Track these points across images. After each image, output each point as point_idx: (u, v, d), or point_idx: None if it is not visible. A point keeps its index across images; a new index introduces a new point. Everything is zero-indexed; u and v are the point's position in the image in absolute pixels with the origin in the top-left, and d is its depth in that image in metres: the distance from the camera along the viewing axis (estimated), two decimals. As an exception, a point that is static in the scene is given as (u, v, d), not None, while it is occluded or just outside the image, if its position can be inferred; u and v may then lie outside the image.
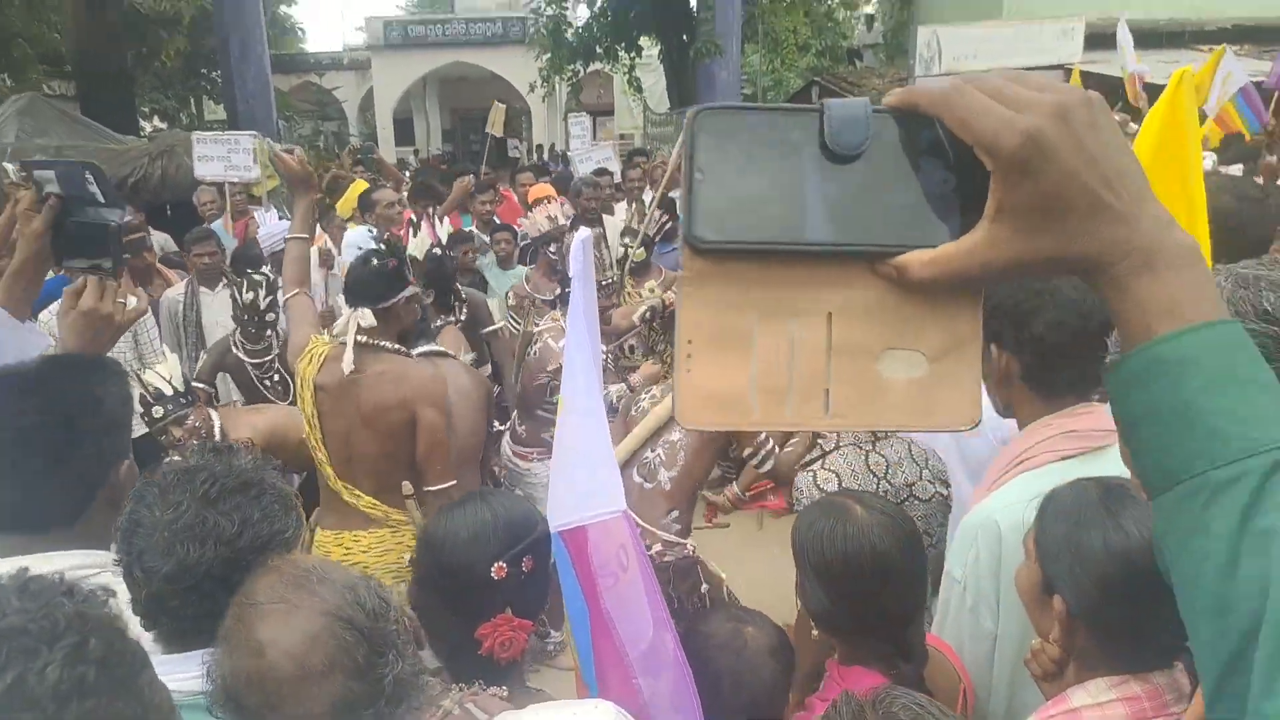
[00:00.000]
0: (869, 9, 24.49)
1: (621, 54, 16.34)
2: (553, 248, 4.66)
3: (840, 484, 2.21)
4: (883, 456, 2.29)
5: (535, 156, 19.36)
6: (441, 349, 3.29)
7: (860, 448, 2.31)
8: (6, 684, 0.84)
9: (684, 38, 15.05)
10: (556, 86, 18.12)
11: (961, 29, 11.91)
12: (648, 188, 6.65)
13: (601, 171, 6.99)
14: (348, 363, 2.70)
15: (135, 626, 1.28)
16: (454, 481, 2.83)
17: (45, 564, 1.31)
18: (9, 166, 4.22)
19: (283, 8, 23.43)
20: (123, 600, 1.32)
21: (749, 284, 0.54)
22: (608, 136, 16.32)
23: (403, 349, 2.91)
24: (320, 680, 1.08)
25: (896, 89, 0.55)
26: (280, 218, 5.46)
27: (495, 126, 8.63)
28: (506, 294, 4.89)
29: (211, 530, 1.27)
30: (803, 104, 0.54)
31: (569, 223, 5.10)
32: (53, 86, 14.17)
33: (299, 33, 26.74)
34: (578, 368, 1.63)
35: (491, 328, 4.25)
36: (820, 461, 2.33)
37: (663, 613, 1.58)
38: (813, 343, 0.55)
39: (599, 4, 16.54)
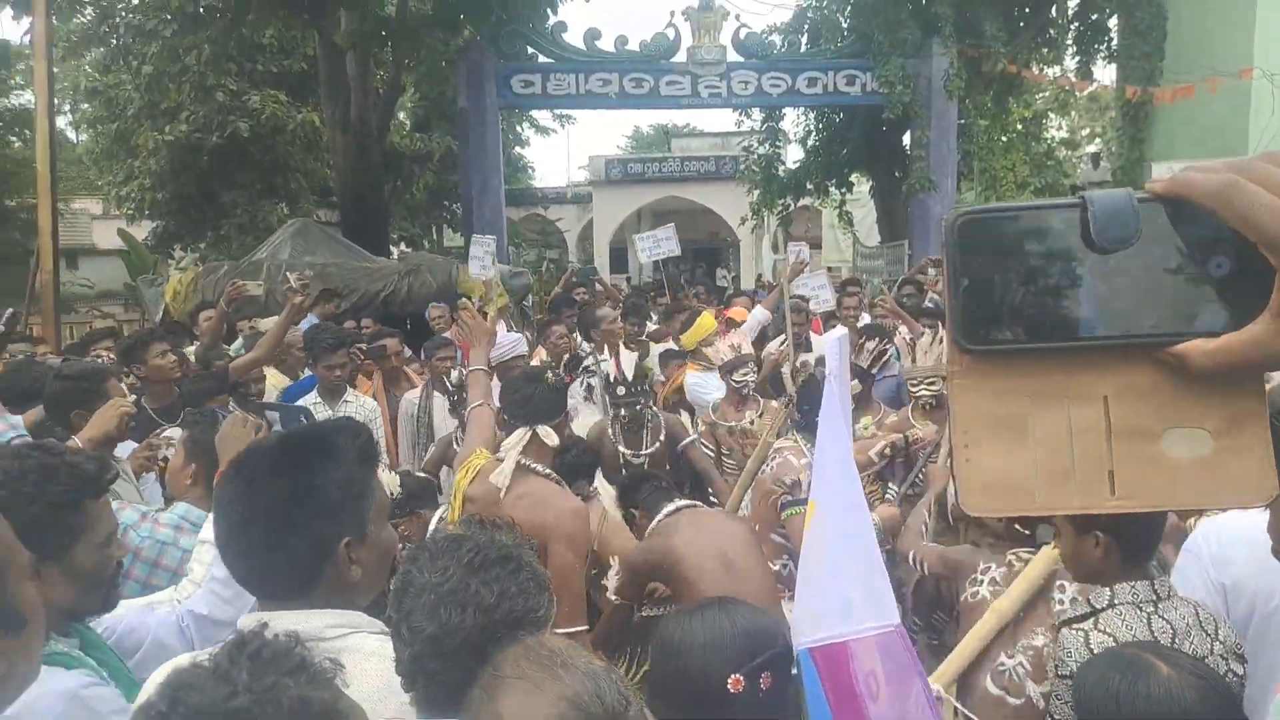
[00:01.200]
0: (1092, 148, 23.69)
1: (832, 190, 16.60)
2: (736, 375, 4.66)
3: None
4: (1167, 621, 1.97)
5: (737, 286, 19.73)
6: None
7: (1140, 609, 2.00)
8: None
9: (895, 174, 15.11)
10: (765, 220, 18.57)
11: (1202, 165, 11.26)
12: (863, 314, 6.60)
13: (852, 282, 7.16)
14: (501, 476, 2.68)
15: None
16: (584, 627, 2.66)
17: (302, 621, 1.41)
18: (290, 276, 4.82)
19: (517, 149, 25.65)
20: (379, 659, 1.39)
21: (1019, 372, 0.55)
22: (815, 266, 16.46)
23: (554, 475, 2.84)
24: None
25: (1160, 177, 0.54)
26: (509, 330, 5.82)
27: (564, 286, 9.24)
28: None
29: (472, 597, 1.32)
30: (1064, 201, 0.54)
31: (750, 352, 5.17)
32: (320, 215, 16.09)
33: (529, 170, 29.12)
34: (832, 467, 1.51)
35: (689, 439, 4.26)
36: (1092, 621, 2.04)
37: None
38: (1091, 425, 0.55)
39: (810, 143, 16.98)
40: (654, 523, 2.99)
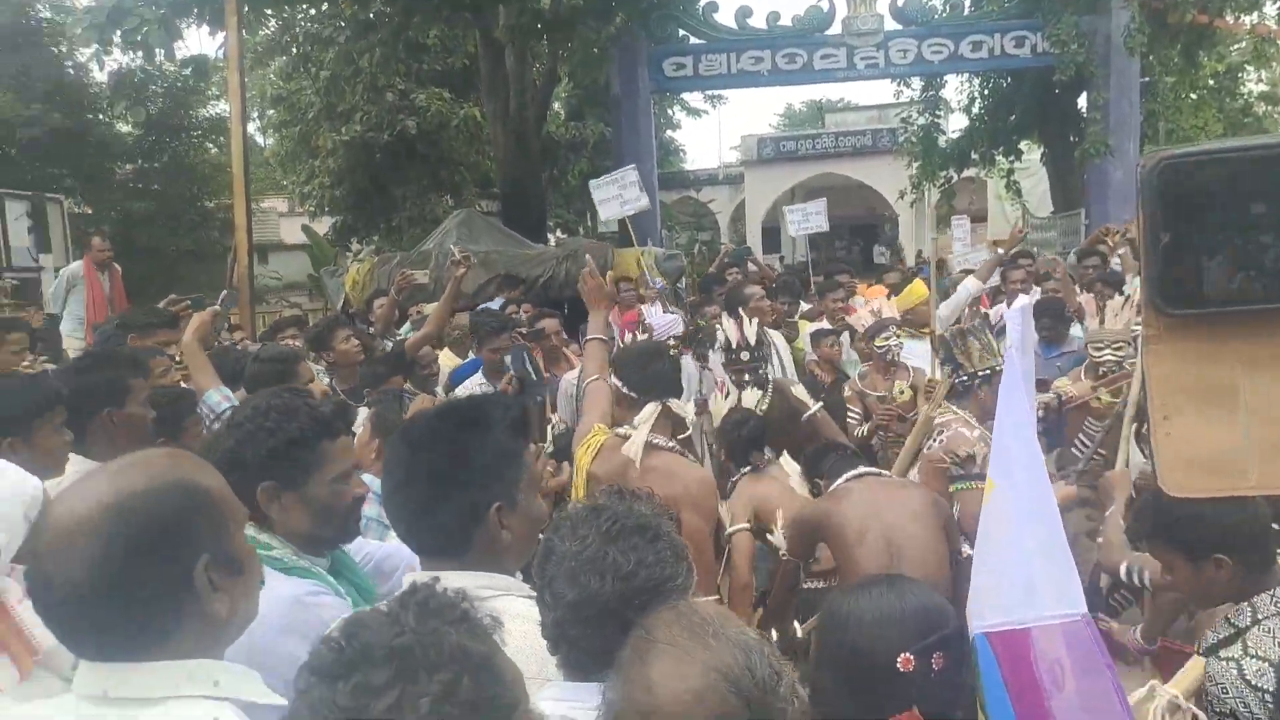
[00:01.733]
0: (1299, 99, 21.45)
1: (999, 159, 15.77)
2: (879, 340, 4.72)
3: (1278, 678, 1.70)
4: None
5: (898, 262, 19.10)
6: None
7: None
8: (389, 702, 0.91)
9: (1070, 139, 14.18)
10: (926, 193, 17.88)
11: None
12: (1034, 288, 6.25)
13: (1022, 255, 6.82)
14: (634, 449, 2.71)
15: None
16: (715, 597, 2.66)
17: (455, 580, 1.48)
18: (454, 248, 5.08)
19: (669, 132, 25.75)
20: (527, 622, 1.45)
21: (1227, 335, 0.47)
22: (981, 240, 15.71)
23: (679, 448, 2.86)
24: None
25: None
26: (664, 311, 5.87)
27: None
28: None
29: (610, 565, 1.34)
30: (1275, 139, 0.46)
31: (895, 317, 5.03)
32: (482, 205, 16.70)
33: (681, 153, 29.19)
34: (1013, 444, 1.44)
35: (811, 410, 4.15)
36: (1240, 645, 1.80)
37: None
38: None
39: (976, 110, 16.18)
40: (834, 486, 3.03)
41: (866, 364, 4.94)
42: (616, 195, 6.94)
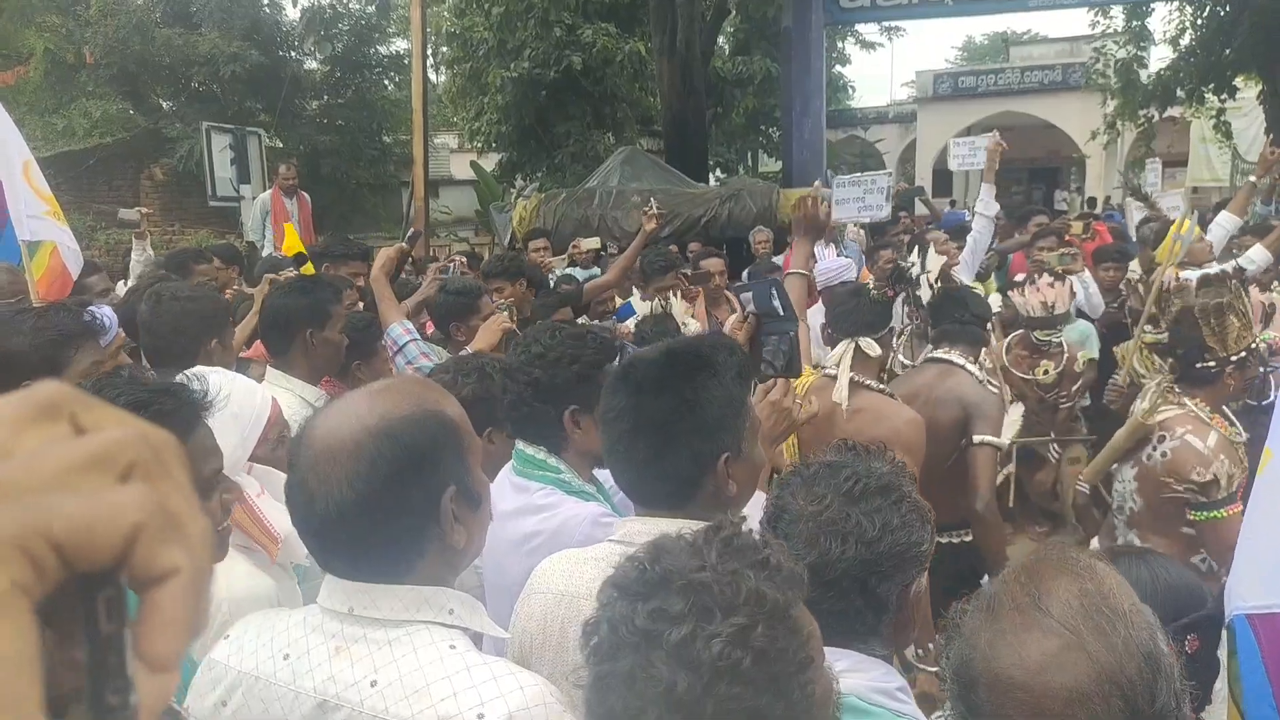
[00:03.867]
0: None
1: (1208, 96, 14.29)
2: (1039, 334, 4.46)
3: None
4: None
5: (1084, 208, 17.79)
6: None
7: None
8: (684, 633, 0.90)
9: (1297, 74, 12.68)
10: (1120, 134, 16.49)
11: None
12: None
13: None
14: (841, 392, 2.68)
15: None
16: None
17: (675, 528, 1.48)
18: (654, 200, 5.20)
19: (838, 68, 24.76)
20: None
21: None
22: (1176, 188, 14.38)
23: (885, 388, 2.82)
24: None
25: None
26: (838, 254, 5.69)
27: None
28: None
29: (854, 529, 1.28)
30: None
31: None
32: (643, 143, 16.67)
33: (849, 90, 28.05)
34: None
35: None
36: None
37: None
38: None
39: (1185, 42, 14.69)
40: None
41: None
42: (858, 198, 6.45)
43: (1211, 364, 2.76)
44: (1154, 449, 2.80)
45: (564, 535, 1.82)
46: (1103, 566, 1.07)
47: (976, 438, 3.15)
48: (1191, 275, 4.27)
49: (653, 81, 15.26)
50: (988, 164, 5.53)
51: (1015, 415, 3.73)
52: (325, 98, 18.02)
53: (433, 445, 1.21)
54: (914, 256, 4.58)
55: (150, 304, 2.67)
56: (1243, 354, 2.77)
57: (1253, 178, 5.42)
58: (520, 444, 2.03)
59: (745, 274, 5.65)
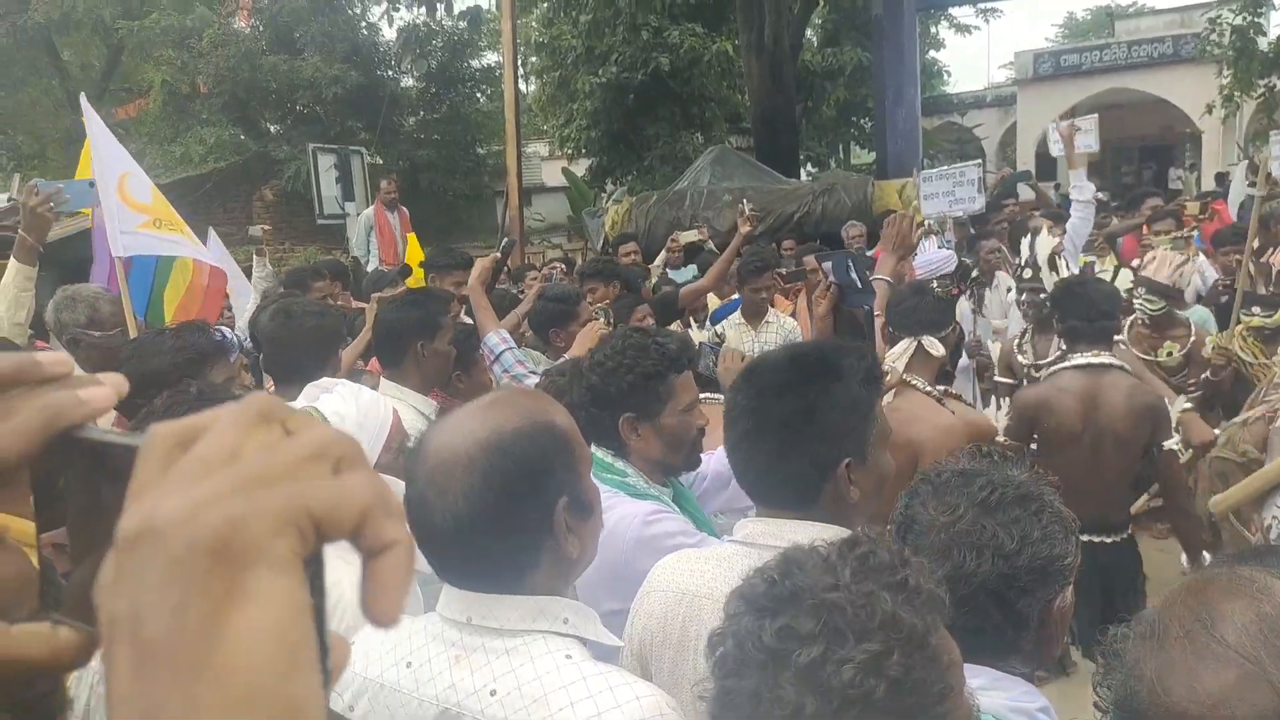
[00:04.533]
0: None
1: (1337, 61, 13.37)
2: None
3: None
4: None
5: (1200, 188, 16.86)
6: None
7: None
8: (811, 657, 0.86)
9: None
10: (1239, 107, 15.57)
11: None
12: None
13: None
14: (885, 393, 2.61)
15: None
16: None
17: (791, 531, 1.46)
18: (745, 205, 5.18)
19: (931, 53, 24.12)
20: None
21: None
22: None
23: (934, 391, 2.75)
24: None
25: None
26: (940, 247, 5.54)
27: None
28: None
29: (989, 540, 1.23)
30: None
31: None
32: (732, 141, 16.59)
33: (944, 75, 27.29)
34: None
35: None
36: None
37: None
38: None
39: (1311, 4, 13.78)
40: (1053, 368, 3.16)
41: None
42: (948, 192, 6.23)
43: None
44: None
45: (617, 535, 1.84)
46: (1278, 586, 0.98)
47: (1167, 444, 3.12)
48: None
49: (741, 79, 15.17)
50: (1066, 149, 5.32)
51: (1176, 409, 3.57)
52: (421, 114, 18.56)
53: (544, 457, 1.23)
54: (1024, 246, 4.39)
55: (280, 320, 2.76)
56: None
57: None
58: (592, 447, 2.06)
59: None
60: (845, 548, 0.96)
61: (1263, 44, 13.83)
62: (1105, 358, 3.11)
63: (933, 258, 4.81)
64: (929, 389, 2.74)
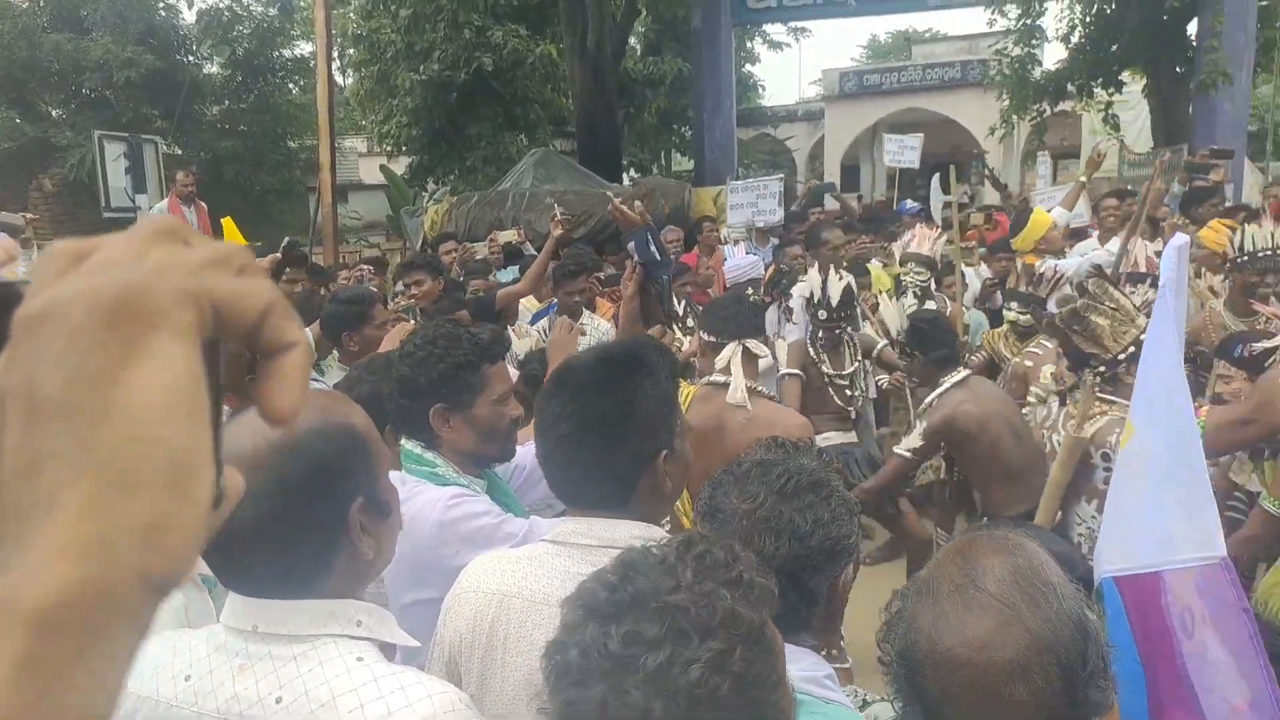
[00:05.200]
0: None
1: (1097, 91, 14.95)
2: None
3: None
4: None
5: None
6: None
7: None
8: (658, 660, 0.87)
9: (1177, 69, 13.36)
10: (1015, 129, 17.11)
11: None
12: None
13: (1117, 194, 6.45)
14: (740, 394, 2.68)
15: None
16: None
17: (610, 529, 1.48)
18: (557, 209, 5.12)
19: (747, 67, 25.09)
20: None
21: None
22: (1069, 180, 15.02)
23: (769, 392, 2.91)
24: (1009, 712, 0.99)
25: None
26: (748, 252, 5.78)
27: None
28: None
29: (787, 525, 1.30)
30: None
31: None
32: (556, 144, 16.63)
33: (759, 89, 28.46)
34: (1159, 389, 1.38)
35: (879, 344, 4.15)
36: None
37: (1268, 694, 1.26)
38: None
39: (1075, 40, 15.33)
40: (940, 391, 3.41)
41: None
42: (752, 203, 6.62)
43: (1101, 367, 2.69)
44: (1108, 470, 2.50)
45: (419, 520, 1.84)
46: (1030, 543, 1.11)
47: (897, 449, 3.61)
48: (1066, 263, 4.49)
49: (565, 83, 15.22)
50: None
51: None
52: (226, 103, 17.49)
53: (338, 457, 1.19)
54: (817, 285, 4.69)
55: None
56: (1131, 349, 2.63)
57: (1083, 178, 5.72)
58: (403, 439, 2.03)
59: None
60: (683, 548, 0.97)
61: (1037, 74, 15.27)
62: (964, 372, 3.55)
63: (740, 263, 5.02)
64: (770, 393, 2.88)
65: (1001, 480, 3.26)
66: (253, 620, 1.19)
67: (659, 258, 2.30)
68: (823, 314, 4.13)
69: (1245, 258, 3.77)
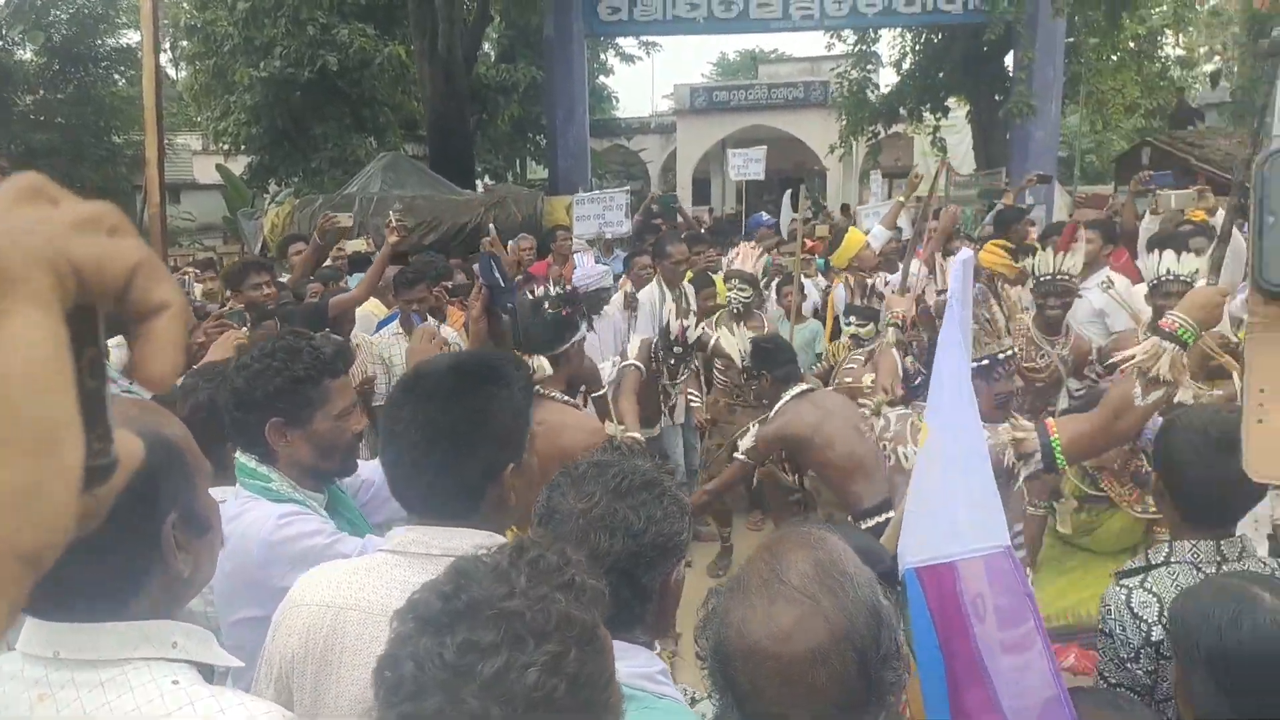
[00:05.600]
0: (1210, 67, 22.15)
1: (926, 115, 15.96)
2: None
3: (1162, 610, 1.80)
4: None
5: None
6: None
7: (1200, 569, 1.90)
8: (495, 667, 0.88)
9: (996, 98, 14.43)
10: (854, 148, 18.03)
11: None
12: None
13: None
14: None
15: None
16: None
17: (455, 538, 1.46)
18: (393, 214, 4.96)
19: (601, 78, 25.33)
20: None
21: None
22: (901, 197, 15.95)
23: (570, 399, 2.90)
24: (812, 696, 1.03)
25: None
26: (596, 261, 5.83)
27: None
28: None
29: (621, 522, 1.32)
30: None
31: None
32: (407, 148, 16.27)
33: (613, 100, 28.77)
34: (948, 391, 1.50)
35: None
36: (1141, 577, 1.95)
37: (1050, 678, 1.39)
38: None
39: (906, 66, 16.31)
40: (781, 403, 3.58)
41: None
42: (598, 215, 6.59)
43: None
44: None
45: (248, 539, 1.79)
46: (832, 537, 1.18)
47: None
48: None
49: (415, 85, 14.91)
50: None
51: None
52: (42, 92, 16.18)
53: (150, 472, 1.12)
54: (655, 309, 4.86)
55: None
56: (984, 361, 2.72)
57: (901, 198, 6.14)
58: (238, 452, 1.96)
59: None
60: (516, 554, 0.97)
61: (873, 96, 16.16)
62: (806, 384, 3.79)
63: (589, 272, 5.07)
64: (565, 398, 2.83)
65: (854, 476, 3.40)
66: (53, 646, 1.11)
67: (503, 284, 2.31)
68: (677, 349, 4.30)
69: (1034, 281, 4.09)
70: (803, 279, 5.67)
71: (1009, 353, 2.69)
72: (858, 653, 1.03)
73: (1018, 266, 4.31)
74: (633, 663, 1.32)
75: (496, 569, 0.95)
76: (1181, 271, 3.92)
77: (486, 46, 18.64)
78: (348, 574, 1.55)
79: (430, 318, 5.05)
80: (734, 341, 4.65)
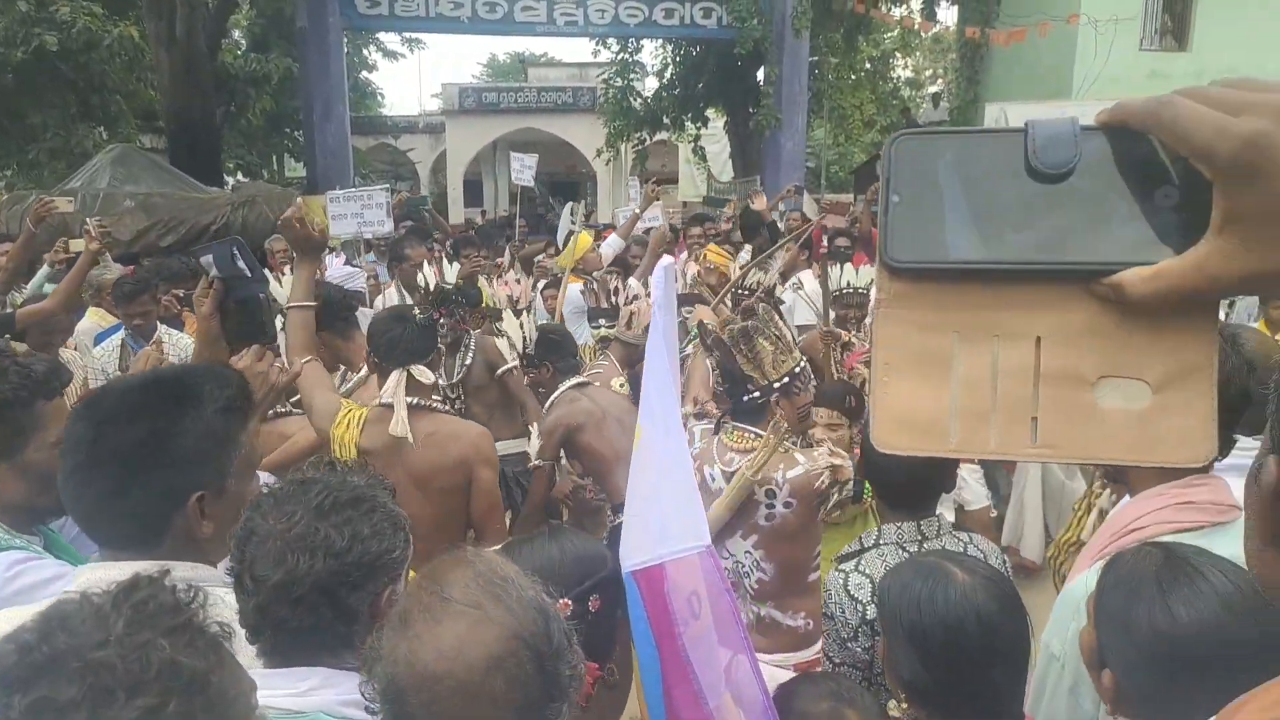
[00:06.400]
0: (934, 89, 24.64)
1: (688, 124, 16.65)
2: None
3: (874, 590, 1.94)
4: None
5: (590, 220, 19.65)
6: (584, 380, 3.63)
7: (904, 548, 2.05)
8: None
9: (749, 110, 15.31)
10: (622, 153, 18.48)
11: (1030, 106, 11.91)
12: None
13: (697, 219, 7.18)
14: (401, 426, 2.60)
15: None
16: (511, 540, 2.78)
17: (142, 571, 1.35)
18: (90, 221, 4.32)
19: (364, 74, 24.39)
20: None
21: (949, 306, 0.51)
22: (670, 203, 16.57)
23: (447, 408, 2.90)
24: (494, 706, 1.01)
25: (1106, 107, 0.51)
26: (346, 263, 5.60)
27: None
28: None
29: (322, 542, 1.26)
30: (1005, 128, 0.52)
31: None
32: (145, 140, 14.91)
33: (379, 97, 27.80)
34: (655, 394, 1.53)
35: (507, 366, 4.26)
36: (855, 561, 2.08)
37: (749, 669, 1.46)
38: (1019, 367, 0.51)
39: (667, 76, 16.92)
40: (558, 393, 3.60)
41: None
42: (357, 214, 6.12)
43: (756, 393, 2.63)
44: (771, 506, 2.56)
45: None
46: (488, 552, 1.18)
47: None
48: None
49: (152, 72, 13.67)
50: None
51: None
52: None
53: None
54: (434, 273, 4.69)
55: None
56: (785, 380, 2.64)
57: (638, 209, 6.47)
58: None
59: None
60: (122, 596, 0.88)
61: (637, 104, 16.63)
62: (584, 376, 3.80)
63: (337, 274, 4.88)
64: (444, 406, 2.81)
65: (615, 469, 3.40)
66: None
67: (249, 274, 2.06)
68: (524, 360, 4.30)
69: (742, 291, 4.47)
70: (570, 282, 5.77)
71: (801, 365, 2.77)
72: (531, 651, 1.03)
73: (731, 267, 4.65)
74: (340, 689, 1.28)
75: (98, 612, 0.86)
76: (860, 283, 4.37)
77: (237, 34, 17.45)
78: (20, 621, 1.40)
79: (169, 328, 4.64)
80: (516, 327, 4.63)
